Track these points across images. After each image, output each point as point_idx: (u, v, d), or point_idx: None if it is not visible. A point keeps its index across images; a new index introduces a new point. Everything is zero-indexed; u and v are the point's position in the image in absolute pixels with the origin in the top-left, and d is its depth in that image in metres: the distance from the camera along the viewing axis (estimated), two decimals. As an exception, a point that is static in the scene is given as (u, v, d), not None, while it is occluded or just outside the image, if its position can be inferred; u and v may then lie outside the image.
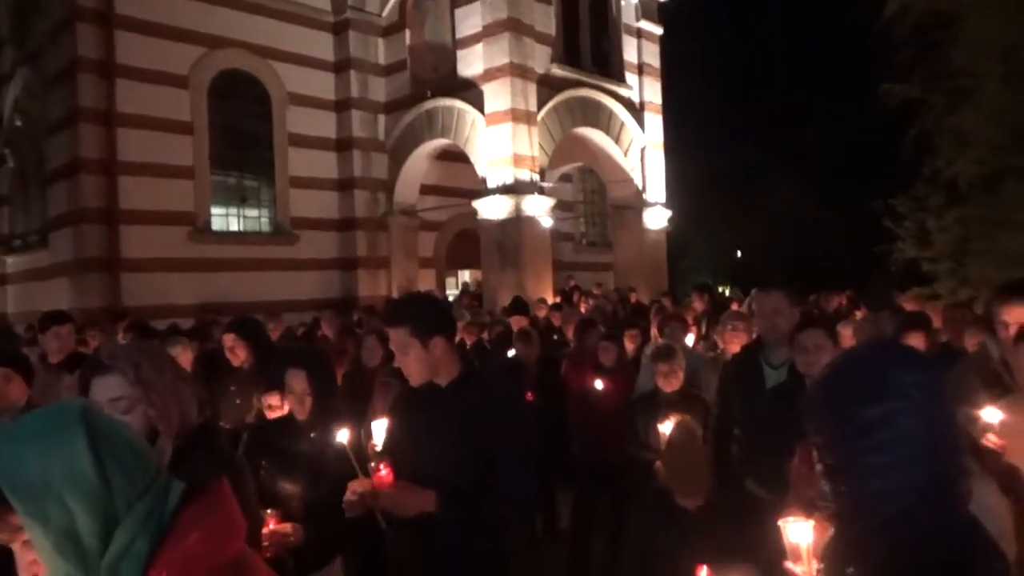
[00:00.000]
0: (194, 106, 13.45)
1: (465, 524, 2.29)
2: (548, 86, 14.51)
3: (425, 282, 16.34)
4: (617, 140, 16.45)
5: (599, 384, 5.28)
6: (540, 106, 14.28)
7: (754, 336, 4.01)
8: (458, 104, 14.54)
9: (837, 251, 28.95)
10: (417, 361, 2.40)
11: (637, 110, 16.94)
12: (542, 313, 9.29)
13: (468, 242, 16.47)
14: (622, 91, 16.58)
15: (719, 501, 3.23)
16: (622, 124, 16.52)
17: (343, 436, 2.32)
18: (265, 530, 2.49)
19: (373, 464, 2.23)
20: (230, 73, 14.01)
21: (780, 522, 1.51)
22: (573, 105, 15.32)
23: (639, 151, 16.93)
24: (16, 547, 1.14)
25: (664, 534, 3.23)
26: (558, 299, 12.56)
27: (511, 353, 6.13)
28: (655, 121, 17.36)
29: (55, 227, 12.85)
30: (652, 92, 17.37)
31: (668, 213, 17.32)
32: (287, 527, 2.57)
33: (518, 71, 13.77)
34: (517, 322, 7.06)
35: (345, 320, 7.89)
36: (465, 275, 18.74)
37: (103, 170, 12.24)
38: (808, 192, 32.15)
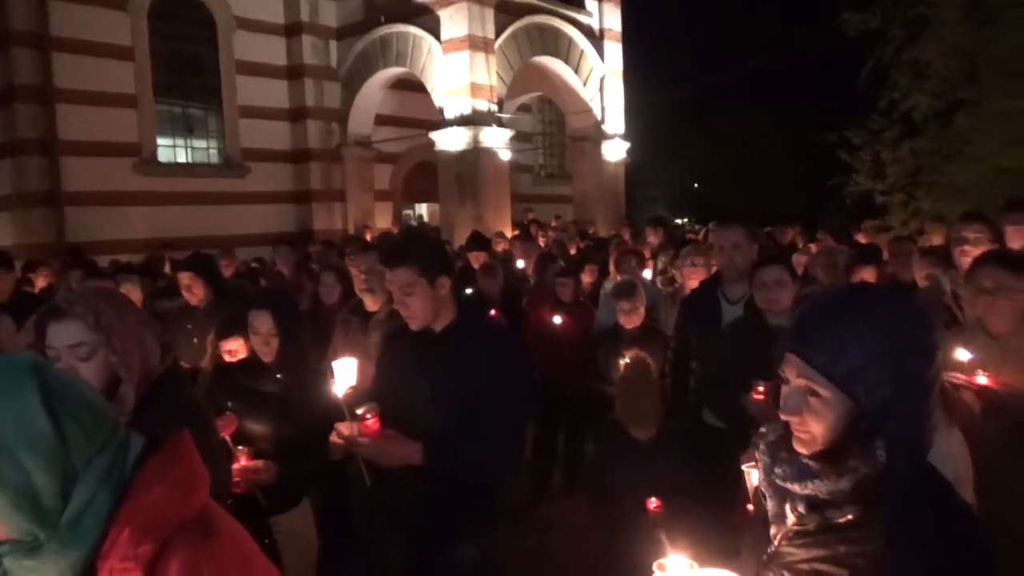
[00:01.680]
0: (134, 30, 12.77)
1: (453, 475, 2.27)
2: (506, 12, 14.11)
3: (381, 215, 16.11)
4: (576, 69, 16.18)
5: (558, 319, 5.33)
6: (498, 33, 13.91)
7: (712, 271, 4.07)
8: (413, 31, 14.08)
9: (793, 183, 29.31)
10: (423, 301, 2.33)
11: (597, 38, 16.63)
12: (501, 247, 9.27)
13: (425, 174, 16.21)
14: (582, 18, 16.22)
15: (672, 432, 3.34)
16: (582, 52, 16.23)
17: (340, 388, 2.27)
18: (236, 466, 2.49)
19: (360, 411, 2.19)
20: (171, -6, 13.29)
21: (744, 467, 1.55)
22: (532, 32, 14.96)
23: (598, 80, 16.70)
24: None
25: (619, 463, 3.34)
26: (517, 232, 12.54)
27: (468, 291, 6.11)
28: (615, 49, 17.08)
29: (-9, 159, 12.24)
30: (612, 19, 17.03)
31: (627, 145, 17.25)
32: (258, 464, 2.57)
33: (475, -4, 13.34)
34: (477, 258, 7.03)
35: (300, 255, 7.76)
36: (422, 208, 18.54)
37: (39, 98, 11.61)
38: (764, 123, 32.28)
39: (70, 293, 1.96)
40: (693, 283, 4.18)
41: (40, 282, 5.74)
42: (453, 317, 2.43)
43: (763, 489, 1.30)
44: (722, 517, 2.65)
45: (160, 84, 13.24)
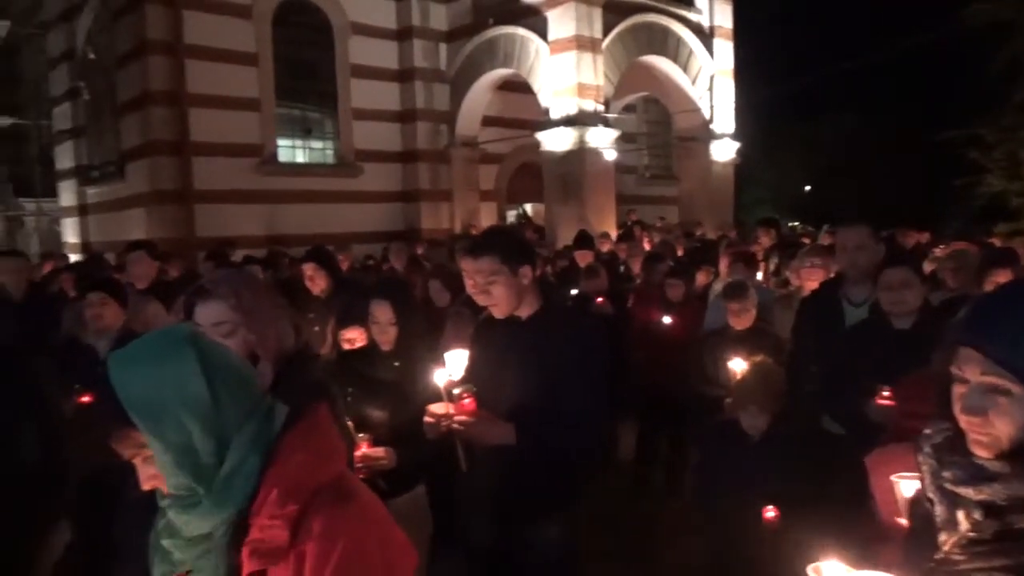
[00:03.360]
0: (258, 36, 13.49)
1: (543, 457, 2.33)
2: (614, 12, 14.02)
3: (487, 215, 16.34)
4: (685, 68, 15.89)
5: (667, 319, 5.26)
6: (605, 33, 13.85)
7: (833, 273, 3.91)
8: (520, 32, 14.21)
9: (907, 184, 27.69)
10: (506, 289, 2.41)
11: (706, 36, 16.27)
12: (606, 248, 9.22)
13: (530, 175, 16.33)
14: (691, 16, 15.92)
15: (786, 436, 3.23)
16: (690, 51, 15.93)
17: (440, 378, 2.37)
18: (358, 453, 2.60)
19: (457, 391, 2.28)
20: (292, 3, 13.94)
21: (894, 477, 1.47)
22: (640, 31, 14.81)
23: (707, 79, 16.33)
24: (138, 461, 1.22)
25: (728, 468, 3.26)
26: (620, 232, 12.44)
27: (573, 292, 6.11)
28: (725, 47, 16.66)
29: (130, 159, 13.22)
30: (723, 16, 16.62)
31: (736, 145, 16.79)
32: (380, 451, 2.67)
33: (583, -4, 13.32)
34: (582, 257, 7.02)
35: (412, 252, 7.98)
36: (528, 208, 18.66)
37: (173, 102, 12.46)
38: (876, 121, 30.63)
39: (214, 276, 2.10)
40: (812, 285, 4.04)
41: (173, 272, 6.16)
42: (539, 305, 2.50)
43: (929, 495, 1.23)
44: (843, 526, 2.55)
45: (281, 88, 13.92)
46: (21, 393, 2.67)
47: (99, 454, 2.77)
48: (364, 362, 2.97)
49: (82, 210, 15.65)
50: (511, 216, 18.05)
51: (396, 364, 2.88)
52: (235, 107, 13.14)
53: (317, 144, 14.81)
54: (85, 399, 3.29)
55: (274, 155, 13.91)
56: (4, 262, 4.96)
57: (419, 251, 9.50)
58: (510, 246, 2.46)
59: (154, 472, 1.19)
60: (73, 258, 12.82)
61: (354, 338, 3.52)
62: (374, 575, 1.19)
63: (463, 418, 2.27)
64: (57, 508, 2.74)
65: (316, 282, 4.24)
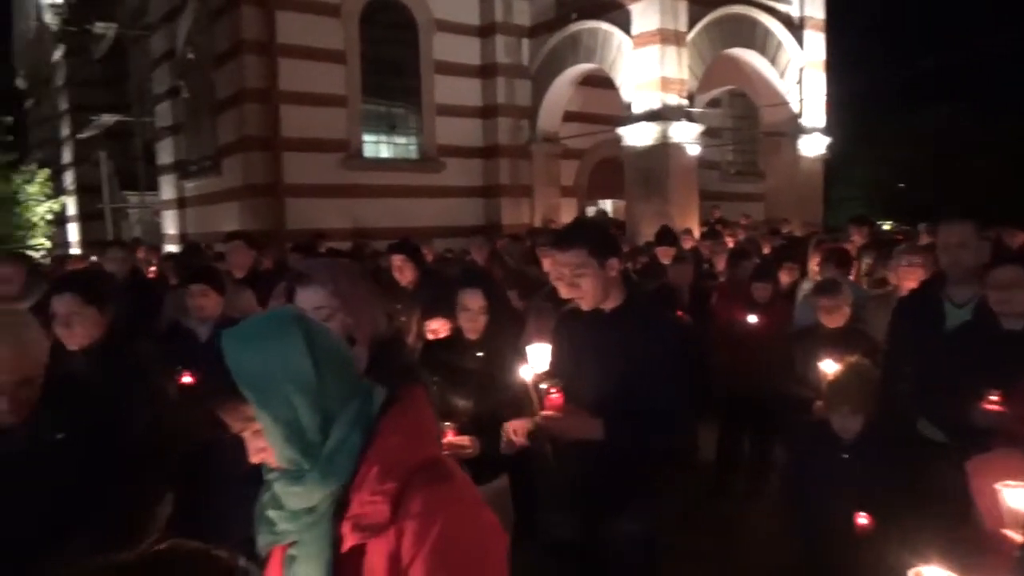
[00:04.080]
0: (346, 35, 13.84)
1: (628, 452, 2.32)
2: (700, 4, 13.73)
3: (567, 211, 16.31)
4: (773, 61, 15.43)
5: (752, 319, 5.13)
6: (691, 25, 13.59)
7: (934, 272, 3.73)
8: (603, 26, 14.10)
9: (1009, 182, 26.08)
10: (594, 281, 2.42)
11: (796, 27, 15.74)
12: (688, 245, 9.06)
13: (610, 170, 16.20)
14: (780, 6, 15.43)
15: (880, 441, 3.11)
16: (779, 43, 15.46)
17: (527, 372, 2.39)
18: (443, 440, 2.65)
19: (543, 386, 2.29)
20: (379, 1, 14.24)
21: (998, 485, 1.41)
22: (726, 23, 14.46)
23: (797, 72, 15.81)
24: (247, 435, 1.28)
25: (818, 471, 3.16)
26: (704, 230, 12.20)
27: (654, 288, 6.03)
28: (816, 39, 16.07)
29: (226, 154, 13.82)
30: (814, 6, 16.04)
31: (827, 140, 16.20)
32: (464, 439, 2.71)
33: (667, -13, 13.11)
34: (664, 253, 6.93)
35: (493, 247, 8.04)
36: (607, 204, 18.54)
37: (266, 99, 12.94)
38: (975, 116, 28.95)
39: (313, 263, 2.18)
40: (910, 284, 3.86)
41: (266, 262, 6.41)
42: (623, 299, 2.50)
43: None
44: (941, 533, 2.45)
45: (367, 85, 14.25)
46: (130, 372, 2.84)
47: (201, 432, 2.91)
48: (449, 352, 3.02)
49: (180, 203, 16.46)
50: (590, 212, 17.95)
51: (480, 354, 2.92)
52: (323, 104, 13.53)
53: (401, 140, 15.10)
54: (187, 380, 3.46)
55: (359, 150, 14.26)
56: (111, 252, 5.27)
57: (499, 246, 9.57)
58: (597, 238, 2.47)
59: (263, 445, 1.25)
60: (170, 248, 13.49)
61: (438, 328, 3.59)
62: (470, 555, 1.21)
63: (550, 413, 2.28)
64: (162, 482, 2.89)
65: (404, 273, 4.34)
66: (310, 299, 1.97)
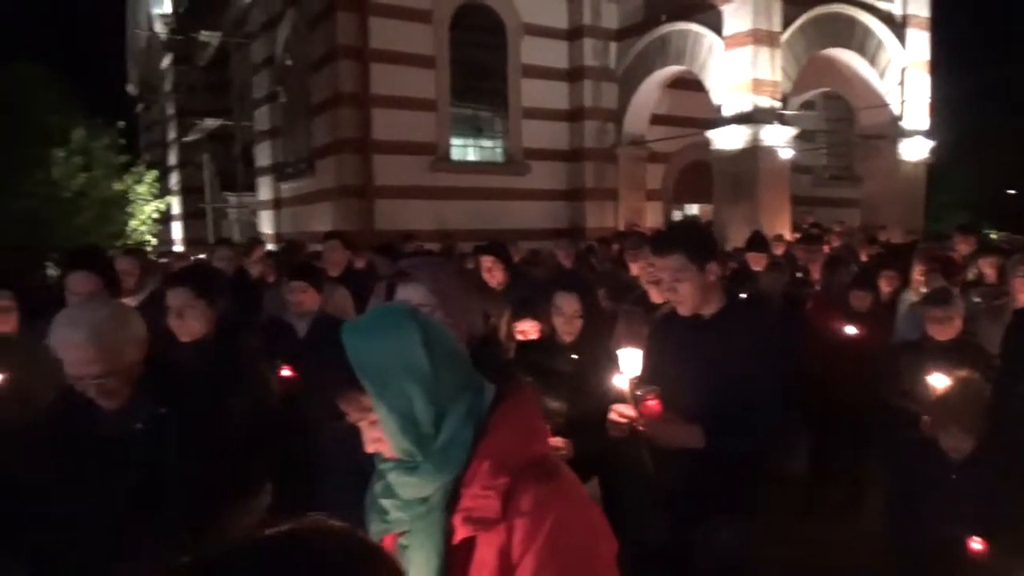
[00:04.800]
0: (437, 40, 14.09)
1: (725, 459, 2.28)
2: (795, 3, 13.33)
3: (652, 215, 16.12)
4: (872, 61, 14.83)
5: (851, 329, 4.94)
6: (785, 26, 13.20)
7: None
8: (694, 28, 13.86)
9: None
10: (693, 286, 2.39)
11: (898, 25, 15.08)
12: (780, 251, 8.80)
13: (698, 174, 15.92)
14: (881, 4, 14.82)
15: (995, 460, 2.93)
16: (879, 42, 14.84)
17: (622, 378, 2.37)
18: None
19: (640, 393, 2.26)
20: (469, 6, 14.44)
21: None
22: (822, 23, 13.99)
23: (898, 72, 15.14)
24: (364, 425, 1.32)
25: (925, 489, 3.01)
26: (798, 236, 11.83)
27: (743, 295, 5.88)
28: (919, 38, 15.35)
29: (320, 156, 14.30)
30: (918, 4, 15.32)
31: (930, 143, 15.44)
32: (558, 441, 2.72)
33: (761, -13, 12.78)
34: (755, 259, 6.75)
35: (579, 250, 8.03)
36: (693, 209, 18.21)
37: (359, 103, 13.31)
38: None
39: (414, 261, 2.23)
40: (1026, 296, 3.64)
41: (358, 262, 6.59)
42: (722, 303, 2.45)
43: None
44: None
45: (455, 89, 14.47)
46: (236, 364, 2.97)
47: (300, 424, 3.01)
48: (544, 353, 3.03)
49: (276, 203, 17.12)
50: (677, 217, 17.67)
51: (574, 357, 2.92)
52: (413, 107, 13.81)
53: (487, 143, 15.26)
54: (286, 373, 3.60)
55: (447, 153, 14.49)
56: (219, 250, 5.55)
57: (585, 248, 9.54)
58: (697, 242, 2.44)
59: (378, 436, 1.28)
60: (267, 247, 14.04)
61: (528, 330, 3.61)
62: (580, 553, 1.22)
63: (649, 420, 2.26)
64: (264, 471, 3.01)
65: (494, 274, 4.39)
66: (411, 296, 2.01)
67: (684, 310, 2.47)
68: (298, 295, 3.99)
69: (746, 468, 2.42)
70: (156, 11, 25.77)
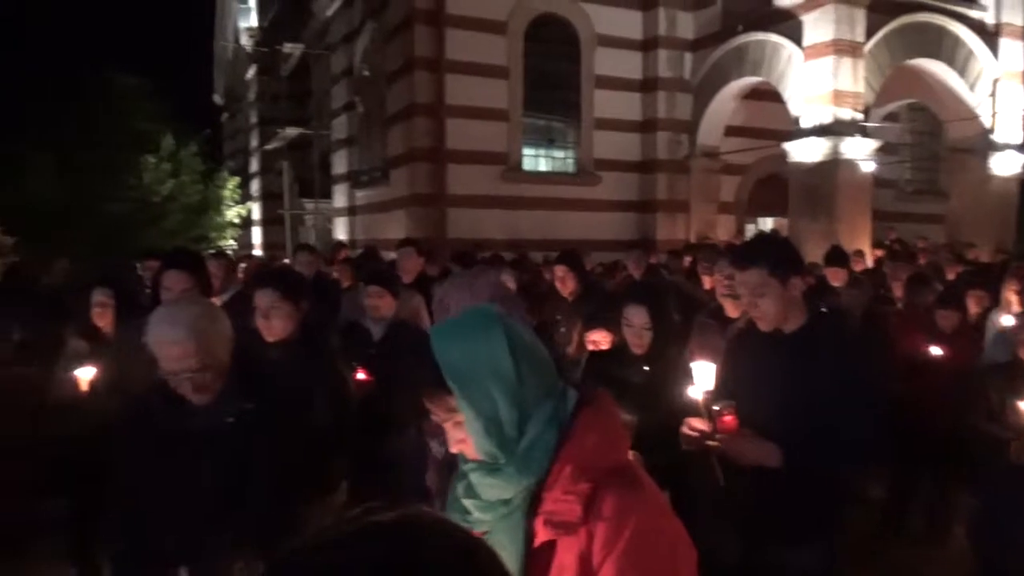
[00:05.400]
0: (511, 51, 14.22)
1: (805, 479, 2.22)
2: (880, 12, 12.90)
3: (724, 228, 15.85)
4: (962, 72, 14.23)
5: (936, 349, 4.75)
6: (869, 35, 12.81)
7: None
8: (772, 38, 13.59)
9: None
10: (774, 301, 2.34)
11: (990, 35, 14.44)
12: (859, 267, 8.54)
13: (772, 187, 15.59)
14: (972, 13, 14.22)
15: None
16: (969, 52, 14.23)
17: (697, 391, 2.35)
18: None
19: (716, 407, 2.23)
20: (543, 17, 14.53)
21: None
22: (908, 32, 13.51)
23: (990, 83, 14.49)
24: (448, 426, 1.35)
25: (1017, 520, 2.87)
26: (880, 253, 11.44)
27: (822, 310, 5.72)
28: (1014, 47, 14.65)
29: (394, 165, 14.61)
30: (1013, 12, 14.64)
31: (1023, 158, 14.71)
32: (632, 454, 2.71)
33: (845, -3, 12.45)
34: (834, 275, 6.56)
35: (649, 261, 7.97)
36: (767, 222, 17.82)
37: (433, 113, 13.54)
38: None
39: (460, 272, 2.27)
40: None
41: (431, 269, 6.71)
42: (804, 319, 2.38)
43: None
44: None
45: (528, 99, 14.57)
46: (318, 364, 3.07)
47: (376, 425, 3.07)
48: (614, 364, 3.03)
49: (351, 210, 17.56)
50: (750, 230, 17.32)
51: (645, 368, 2.91)
52: (486, 117, 13.97)
53: (559, 153, 15.30)
54: (361, 377, 3.69)
55: (519, 163, 14.59)
56: (301, 255, 5.74)
57: (655, 260, 9.45)
58: (779, 256, 2.38)
59: (462, 437, 1.32)
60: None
61: (599, 340, 3.61)
62: (660, 562, 1.22)
63: (724, 435, 2.22)
64: (341, 470, 3.10)
65: (566, 284, 4.40)
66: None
67: (764, 325, 2.41)
68: (375, 300, 4.09)
69: (830, 489, 2.35)
70: (242, 24, 26.83)
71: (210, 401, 2.18)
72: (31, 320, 4.53)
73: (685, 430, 2.33)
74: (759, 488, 2.26)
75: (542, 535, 1.24)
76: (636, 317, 2.92)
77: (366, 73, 16.61)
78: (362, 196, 16.98)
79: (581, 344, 3.85)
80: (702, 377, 2.54)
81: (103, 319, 4.00)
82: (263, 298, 3.05)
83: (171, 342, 2.06)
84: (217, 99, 33.32)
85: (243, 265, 8.82)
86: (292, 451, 2.29)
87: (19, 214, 18.34)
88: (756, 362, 2.44)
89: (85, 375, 3.42)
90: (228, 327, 2.26)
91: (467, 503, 1.33)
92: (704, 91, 15.28)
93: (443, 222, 13.53)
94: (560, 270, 4.45)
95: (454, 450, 1.36)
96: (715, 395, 2.38)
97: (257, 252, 22.76)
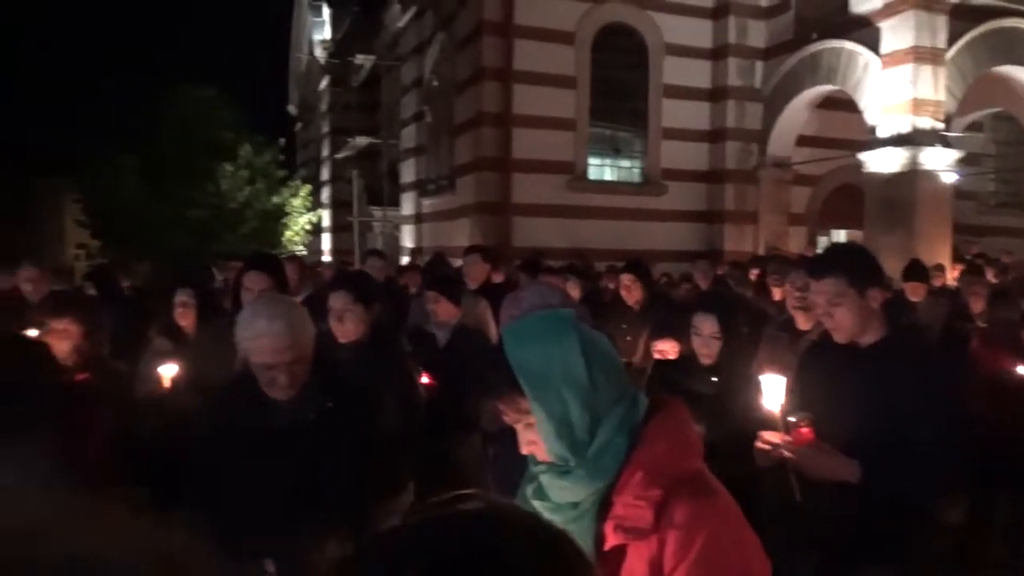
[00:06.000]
0: (578, 60, 14.25)
1: (885, 498, 2.16)
2: (963, 18, 12.44)
3: (795, 240, 15.47)
4: (1052, 80, 13.59)
5: (1022, 369, 4.54)
6: (951, 42, 12.35)
7: None
8: (847, 45, 13.23)
9: None
10: (851, 313, 2.27)
11: (1086, 40, 13.74)
12: (939, 283, 8.22)
13: (846, 199, 15.16)
14: (1065, 18, 13.56)
15: None
16: (1062, 59, 13.58)
17: (773, 403, 2.30)
18: None
19: (793, 419, 2.18)
20: (612, 26, 14.51)
21: None
22: (993, 39, 12.96)
23: (1083, 92, 13.79)
24: (520, 427, 1.37)
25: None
26: (961, 267, 10.97)
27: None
28: (1111, 53, 13.90)
29: (460, 173, 14.81)
30: (1111, 16, 13.90)
31: (1118, 169, 13.94)
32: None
33: (924, 2, 12.02)
34: (913, 290, 6.34)
35: (716, 273, 7.85)
36: (840, 234, 17.31)
37: (500, 123, 13.68)
38: None
39: (529, 282, 2.30)
40: None
41: (496, 276, 6.76)
42: (883, 332, 2.31)
43: None
44: None
45: (595, 108, 14.55)
46: (388, 366, 3.15)
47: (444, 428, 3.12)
48: (683, 374, 3.01)
49: (418, 218, 17.85)
50: (822, 242, 16.85)
51: (715, 379, 2.87)
52: (552, 127, 14.03)
53: (625, 163, 15.23)
54: (425, 381, 3.75)
55: (584, 173, 14.58)
56: (371, 260, 5.87)
57: (722, 272, 9.30)
58: (858, 266, 2.32)
59: (533, 438, 1.34)
60: (405, 260, 14.69)
61: (666, 349, 3.58)
62: (733, 573, 1.21)
63: (801, 448, 2.17)
64: (410, 470, 3.16)
65: (632, 293, 4.39)
66: (511, 310, 2.10)
67: (839, 337, 2.34)
68: (431, 304, 4.16)
69: (908, 509, 2.27)
70: (317, 37, 27.64)
71: (293, 397, 2.23)
72: (118, 319, 4.77)
73: (760, 444, 2.28)
74: (835, 505, 2.20)
75: (612, 539, 1.25)
76: (705, 326, 2.89)
77: (435, 84, 16.89)
78: (428, 204, 17.24)
79: (647, 353, 3.83)
80: (772, 390, 2.49)
81: (185, 319, 4.19)
82: (337, 300, 3.14)
83: (269, 335, 2.10)
84: (291, 110, 34.37)
85: (323, 269, 9.08)
86: (366, 450, 2.34)
87: (107, 217, 19.31)
88: (831, 376, 2.38)
89: (168, 372, 3.58)
90: (312, 325, 2.32)
91: (537, 504, 1.35)
92: (775, 100, 14.98)
93: (508, 230, 13.62)
94: (627, 279, 4.44)
95: (524, 451, 1.38)
96: (790, 407, 2.32)
97: (326, 258, 23.34)
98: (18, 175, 39.58)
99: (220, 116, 20.02)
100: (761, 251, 14.48)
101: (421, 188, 17.78)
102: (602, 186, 14.85)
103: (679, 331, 3.29)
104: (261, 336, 2.10)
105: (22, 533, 0.48)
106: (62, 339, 2.80)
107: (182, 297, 4.27)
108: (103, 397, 2.74)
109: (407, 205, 18.75)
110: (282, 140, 22.32)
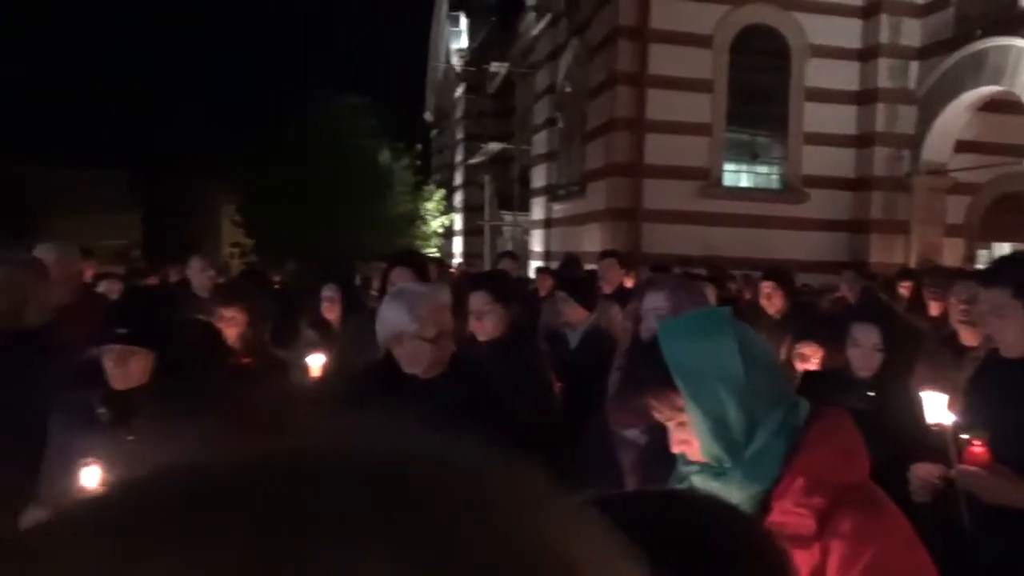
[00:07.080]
0: (715, 64, 13.89)
1: None
2: None
3: (951, 253, 14.36)
4: None
5: None
6: None
7: None
8: (1018, 42, 12.13)
9: None
10: (1015, 326, 2.11)
11: None
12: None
13: (1011, 209, 13.94)
14: None
15: None
16: None
17: (943, 418, 2.16)
18: None
19: (966, 436, 2.03)
20: (752, 28, 14.05)
21: None
22: None
23: None
24: (671, 425, 1.35)
25: None
26: None
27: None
28: None
29: (591, 179, 14.78)
30: None
31: None
32: None
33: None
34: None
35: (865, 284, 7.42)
36: (1004, 248, 15.89)
37: (633, 128, 13.55)
38: None
39: (660, 275, 2.27)
40: None
41: (627, 282, 6.72)
42: None
43: None
44: None
45: (731, 113, 14.14)
46: (525, 365, 3.19)
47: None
48: (831, 387, 2.86)
49: (547, 223, 17.98)
50: (983, 256, 15.55)
51: (871, 394, 2.71)
52: (686, 132, 13.73)
53: (763, 169, 14.69)
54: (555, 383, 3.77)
55: (719, 179, 14.19)
56: (504, 262, 5.99)
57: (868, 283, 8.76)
58: None
59: (686, 437, 1.32)
60: (534, 264, 14.84)
61: (808, 353, 3.43)
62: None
63: (974, 469, 2.01)
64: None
65: (772, 301, 4.23)
66: (652, 301, 2.09)
67: (1006, 351, 2.17)
68: (560, 305, 4.20)
69: None
70: (454, 46, 28.48)
71: (433, 380, 2.33)
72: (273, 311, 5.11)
73: (918, 476, 2.13)
74: (1011, 534, 2.02)
75: (770, 545, 1.21)
76: (866, 337, 2.72)
77: (568, 89, 16.97)
78: (559, 209, 17.33)
79: (788, 364, 3.68)
80: (935, 408, 2.33)
81: (331, 312, 4.44)
82: (476, 300, 3.22)
83: (442, 304, 2.35)
84: (428, 116, 35.60)
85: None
86: (498, 443, 2.39)
87: (260, 219, 20.73)
88: (1001, 393, 2.20)
89: (316, 362, 3.79)
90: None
91: None
92: (931, 102, 13.97)
93: (638, 236, 13.46)
94: (767, 287, 4.28)
95: (675, 450, 1.36)
96: (971, 425, 2.16)
97: (456, 261, 23.96)
98: (182, 177, 43.59)
99: (365, 123, 21.01)
100: (912, 263, 13.52)
101: (551, 193, 17.90)
102: (738, 193, 14.40)
103: (824, 337, 3.13)
104: (433, 305, 2.29)
105: None
106: (230, 326, 3.04)
107: (328, 292, 4.52)
108: (263, 380, 2.94)
109: (537, 210, 18.93)
110: (419, 146, 23.14)
